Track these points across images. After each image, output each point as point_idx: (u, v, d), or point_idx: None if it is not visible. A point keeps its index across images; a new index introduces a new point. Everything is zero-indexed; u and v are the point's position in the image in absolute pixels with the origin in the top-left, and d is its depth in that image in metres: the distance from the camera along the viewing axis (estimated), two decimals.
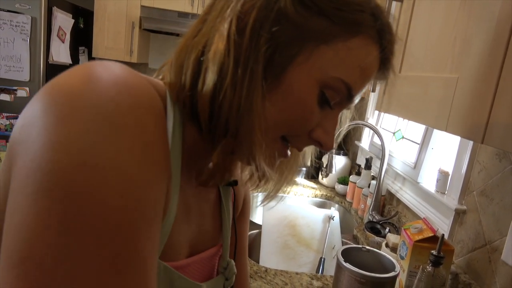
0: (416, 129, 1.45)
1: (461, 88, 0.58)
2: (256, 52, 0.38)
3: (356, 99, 0.44)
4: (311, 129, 0.42)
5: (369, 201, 1.47)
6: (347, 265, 0.73)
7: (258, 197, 1.77)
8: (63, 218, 0.26)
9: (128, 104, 0.30)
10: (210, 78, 0.38)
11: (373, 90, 0.88)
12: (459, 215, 1.03)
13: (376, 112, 1.77)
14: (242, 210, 0.59)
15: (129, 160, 0.29)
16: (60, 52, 2.37)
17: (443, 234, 0.83)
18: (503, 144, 0.48)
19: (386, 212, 1.47)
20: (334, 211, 1.45)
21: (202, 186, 0.47)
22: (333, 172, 1.60)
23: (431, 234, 0.91)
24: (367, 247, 0.82)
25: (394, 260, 0.77)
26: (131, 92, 0.31)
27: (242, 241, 0.60)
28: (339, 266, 0.76)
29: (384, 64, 0.43)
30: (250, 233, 1.44)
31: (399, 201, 1.39)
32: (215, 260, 0.51)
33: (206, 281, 0.48)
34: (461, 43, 0.60)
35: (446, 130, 0.62)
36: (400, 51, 0.81)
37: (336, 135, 0.45)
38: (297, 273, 1.06)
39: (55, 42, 2.29)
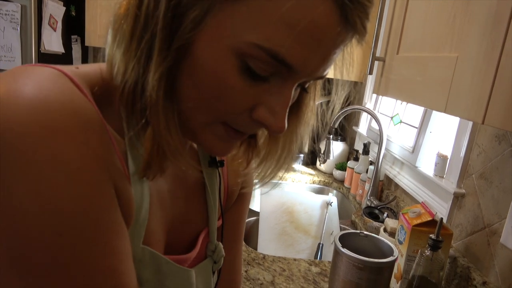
0: (414, 113, 1.44)
1: (461, 67, 0.56)
2: (154, 18, 0.32)
3: (322, 71, 0.35)
4: (249, 108, 0.35)
5: (367, 186, 1.46)
6: (345, 250, 0.72)
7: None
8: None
9: (40, 136, 0.28)
10: (107, 54, 0.35)
11: (370, 72, 0.86)
12: (457, 198, 1.02)
13: (374, 96, 1.75)
14: (240, 196, 0.57)
15: (59, 199, 0.29)
16: (52, 41, 2.33)
17: (441, 218, 0.82)
18: (504, 124, 0.47)
19: (384, 197, 1.46)
20: (332, 197, 1.44)
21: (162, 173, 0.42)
22: (331, 158, 1.59)
23: (429, 218, 0.90)
24: (365, 232, 0.81)
25: (392, 245, 0.76)
26: (45, 118, 0.29)
27: (238, 228, 0.58)
28: (336, 252, 0.75)
29: (344, 13, 0.31)
30: (247, 220, 1.43)
31: (397, 186, 1.38)
32: (203, 245, 0.50)
33: (194, 265, 0.47)
34: (460, 21, 0.58)
35: (445, 111, 0.60)
36: (398, 32, 0.79)
37: (286, 113, 0.36)
38: (295, 259, 1.05)
39: (46, 30, 2.24)
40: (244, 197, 0.58)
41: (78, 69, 0.36)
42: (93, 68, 0.38)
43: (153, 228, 0.41)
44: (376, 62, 0.87)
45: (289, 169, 0.47)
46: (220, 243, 0.51)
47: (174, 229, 0.46)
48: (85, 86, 0.34)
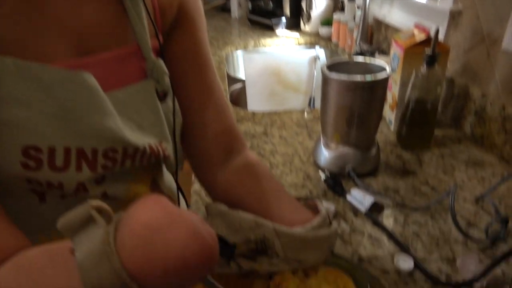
0: None
1: None
2: None
3: None
4: None
5: (355, 33, 1.35)
6: (334, 74, 0.66)
7: (244, 54, 1.65)
8: None
9: None
10: None
11: None
12: (454, 17, 0.93)
13: None
14: (184, 16, 0.47)
15: None
16: None
17: (437, 29, 0.74)
18: None
19: (375, 42, 1.37)
20: (318, 50, 1.35)
21: None
22: (314, 8, 1.44)
23: (423, 38, 0.82)
24: (355, 58, 0.74)
25: (384, 64, 0.69)
26: None
27: (199, 54, 0.49)
28: (325, 80, 0.68)
29: None
30: (233, 88, 1.36)
31: (387, 27, 1.27)
32: (136, 62, 0.42)
33: (126, 85, 0.40)
34: None
35: None
36: None
37: None
38: (286, 112, 1.01)
39: None
40: (190, 16, 0.47)
41: None
42: None
43: (16, 36, 0.33)
44: None
45: None
46: (161, 60, 0.43)
47: (84, 41, 0.37)
48: None
